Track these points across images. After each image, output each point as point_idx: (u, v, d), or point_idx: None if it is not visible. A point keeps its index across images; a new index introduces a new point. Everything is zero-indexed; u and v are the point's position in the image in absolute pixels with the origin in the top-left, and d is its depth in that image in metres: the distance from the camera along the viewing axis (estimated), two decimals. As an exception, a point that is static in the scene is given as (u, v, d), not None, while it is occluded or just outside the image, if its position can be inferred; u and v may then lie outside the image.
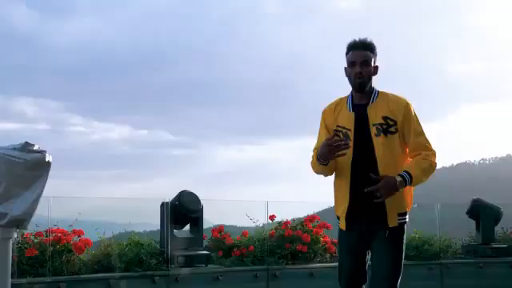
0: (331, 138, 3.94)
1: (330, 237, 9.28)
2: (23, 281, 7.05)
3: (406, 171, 3.94)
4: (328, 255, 9.23)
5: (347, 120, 4.11)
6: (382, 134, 3.99)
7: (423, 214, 10.53)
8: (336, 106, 4.24)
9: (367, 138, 4.02)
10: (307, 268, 8.84)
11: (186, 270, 8.05)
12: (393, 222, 3.99)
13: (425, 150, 4.07)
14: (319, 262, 9.10)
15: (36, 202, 6.00)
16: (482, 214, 10.24)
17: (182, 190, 8.39)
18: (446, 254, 9.98)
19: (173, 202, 8.25)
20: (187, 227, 8.66)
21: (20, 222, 6.02)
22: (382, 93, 4.14)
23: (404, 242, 4.12)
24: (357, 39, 4.11)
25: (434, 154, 4.10)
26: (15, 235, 6.15)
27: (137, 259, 7.84)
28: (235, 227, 10.14)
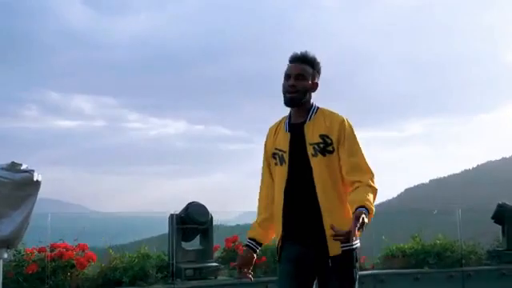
0: (243, 274, 3.75)
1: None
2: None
3: (360, 206, 3.27)
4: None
5: (283, 141, 3.64)
6: (319, 154, 3.50)
7: (444, 218, 9.92)
8: (277, 127, 3.78)
9: (304, 158, 3.54)
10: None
11: (194, 283, 7.61)
12: (335, 249, 3.41)
13: (360, 173, 3.50)
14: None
15: (25, 221, 5.78)
16: (508, 218, 9.57)
17: (190, 201, 7.96)
18: (469, 260, 9.31)
19: (180, 215, 7.81)
20: (197, 239, 8.20)
21: (10, 242, 5.79)
22: (320, 109, 3.66)
23: (355, 272, 3.52)
24: (298, 52, 3.65)
25: (371, 177, 3.51)
26: (5, 255, 5.87)
27: (142, 273, 7.43)
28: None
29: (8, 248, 5.88)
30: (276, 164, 3.66)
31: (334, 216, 3.42)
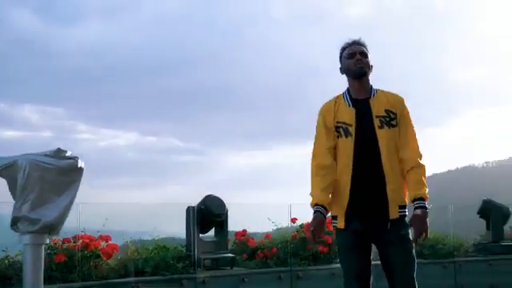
0: (313, 240, 3.81)
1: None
2: (54, 287, 6.54)
3: (418, 199, 3.61)
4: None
5: (348, 115, 3.76)
6: (385, 126, 3.69)
7: (437, 215, 10.07)
8: (334, 104, 3.88)
9: (369, 130, 3.70)
10: (329, 269, 8.33)
11: (212, 273, 7.54)
12: (394, 213, 3.63)
13: (417, 156, 3.74)
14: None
15: (68, 207, 5.64)
16: (493, 213, 9.83)
17: (208, 194, 7.91)
18: (459, 252, 9.51)
19: (198, 207, 7.74)
20: (212, 231, 8.13)
21: (52, 228, 5.62)
22: (378, 89, 3.88)
23: (409, 232, 3.68)
24: (350, 39, 3.90)
25: (422, 159, 3.75)
26: (47, 241, 5.70)
27: (163, 263, 7.33)
28: (256, 230, 9.59)
29: (49, 234, 5.71)
30: (339, 137, 3.75)
31: (395, 183, 3.65)
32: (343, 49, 3.91)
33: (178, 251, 7.68)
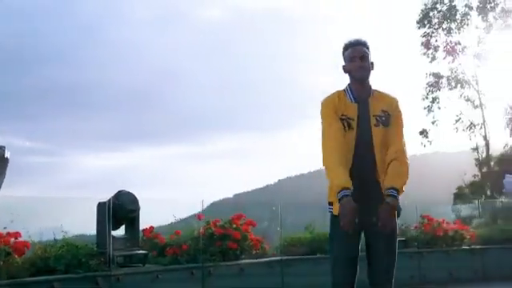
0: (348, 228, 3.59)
1: (254, 234, 8.92)
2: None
3: (391, 188, 3.67)
4: (255, 251, 8.86)
5: (351, 110, 3.92)
6: (380, 125, 3.88)
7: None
8: (337, 97, 4.01)
9: (367, 127, 3.89)
10: (238, 264, 8.41)
11: (126, 270, 7.35)
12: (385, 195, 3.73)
13: (400, 152, 3.88)
14: (248, 258, 8.73)
15: None
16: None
17: (120, 189, 7.68)
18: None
19: (112, 202, 7.48)
20: (122, 227, 7.92)
21: None
22: (376, 90, 4.05)
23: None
24: (355, 38, 4.06)
25: (405, 155, 3.89)
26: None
27: (76, 261, 7.04)
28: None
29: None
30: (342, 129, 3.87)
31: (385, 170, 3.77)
32: (345, 48, 4.03)
33: (89, 248, 7.41)
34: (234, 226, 8.67)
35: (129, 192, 7.71)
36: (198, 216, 8.80)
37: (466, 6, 25.76)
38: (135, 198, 7.72)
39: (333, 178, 3.75)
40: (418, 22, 26.42)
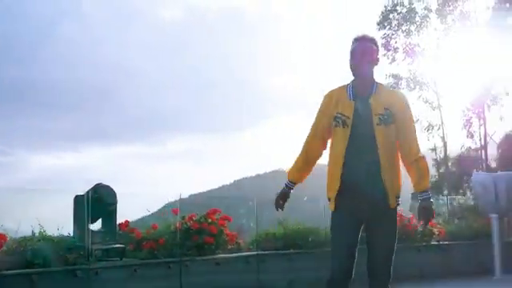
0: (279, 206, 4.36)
1: (229, 229, 8.98)
2: None
3: (423, 191, 3.96)
4: (230, 246, 8.93)
5: (347, 108, 4.00)
6: (382, 124, 3.92)
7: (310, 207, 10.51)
8: (336, 94, 4.12)
9: (368, 126, 3.94)
10: (214, 259, 8.45)
11: (105, 264, 7.34)
12: (393, 203, 3.94)
13: (417, 150, 4.06)
14: (224, 252, 8.81)
15: None
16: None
17: (97, 183, 7.64)
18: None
19: (90, 195, 7.44)
20: (99, 221, 7.87)
21: None
22: (381, 85, 4.13)
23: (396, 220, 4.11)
24: (360, 33, 4.13)
25: (420, 152, 4.10)
26: None
27: (54, 254, 6.99)
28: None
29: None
30: (337, 126, 3.98)
31: (391, 175, 3.94)
32: (351, 44, 4.10)
33: (67, 242, 7.35)
34: (210, 220, 8.69)
35: (107, 185, 7.69)
36: (173, 210, 8.80)
37: (425, 8, 26.25)
38: (113, 191, 7.69)
39: (289, 168, 4.33)
40: (378, 24, 26.82)
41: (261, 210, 9.71)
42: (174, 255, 8.12)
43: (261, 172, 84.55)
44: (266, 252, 9.22)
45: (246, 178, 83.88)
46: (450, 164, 25.91)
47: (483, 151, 26.52)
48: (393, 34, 26.08)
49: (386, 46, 26.21)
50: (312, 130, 4.19)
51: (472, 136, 26.71)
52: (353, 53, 4.03)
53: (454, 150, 26.33)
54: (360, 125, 3.92)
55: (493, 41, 25.98)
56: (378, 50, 4.13)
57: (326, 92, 4.19)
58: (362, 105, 3.96)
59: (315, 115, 4.19)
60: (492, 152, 27.07)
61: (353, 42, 4.08)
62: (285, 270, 9.07)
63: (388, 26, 26.22)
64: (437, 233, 11.05)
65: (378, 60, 4.10)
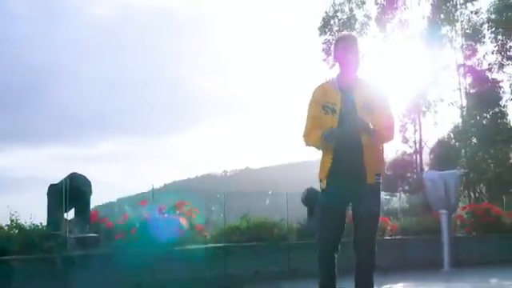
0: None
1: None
2: None
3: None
4: (201, 238, 9.04)
5: (335, 97, 4.33)
6: (365, 112, 4.25)
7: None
8: (324, 87, 4.46)
9: (353, 113, 4.25)
10: (185, 249, 8.55)
11: (82, 252, 7.31)
12: (371, 179, 4.24)
13: (391, 121, 4.44)
14: (194, 243, 8.88)
15: None
16: (315, 200, 10.62)
17: (73, 172, 7.59)
18: (291, 235, 10.21)
19: (66, 184, 7.39)
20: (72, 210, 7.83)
21: None
22: (362, 79, 4.45)
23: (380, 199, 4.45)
24: (348, 34, 4.60)
25: (394, 126, 4.48)
26: None
27: (30, 242, 6.93)
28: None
29: None
30: (326, 114, 4.32)
31: (372, 155, 4.26)
32: (338, 40, 4.51)
33: (41, 230, 7.28)
34: (179, 212, 8.75)
35: (81, 174, 7.66)
36: (141, 202, 8.84)
37: (365, 15, 26.96)
38: (88, 180, 7.67)
39: (313, 141, 4.38)
40: (319, 29, 27.36)
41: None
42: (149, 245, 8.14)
43: (192, 176, 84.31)
44: (232, 244, 9.34)
45: (176, 182, 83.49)
46: (385, 168, 26.58)
47: (418, 156, 27.45)
48: (334, 40, 26.59)
49: (327, 52, 26.75)
50: (310, 122, 4.44)
51: (407, 141, 27.63)
52: (341, 50, 4.37)
53: (389, 155, 27.00)
54: (346, 113, 4.24)
55: (428, 48, 26.96)
56: (358, 47, 4.46)
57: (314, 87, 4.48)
58: (348, 96, 4.29)
59: (307, 108, 4.48)
60: (425, 157, 28.01)
61: (341, 40, 4.48)
62: (250, 262, 9.23)
63: (329, 32, 26.83)
64: (389, 228, 11.45)
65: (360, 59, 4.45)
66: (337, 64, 4.49)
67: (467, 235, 12.58)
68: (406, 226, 11.97)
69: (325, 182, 4.29)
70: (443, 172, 11.88)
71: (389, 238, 11.38)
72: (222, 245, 9.23)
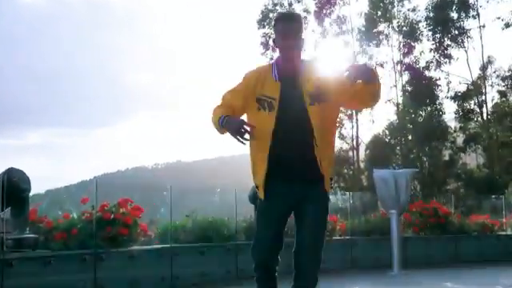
0: (241, 135, 3.52)
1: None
2: None
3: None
4: (144, 238, 8.61)
5: (273, 89, 3.67)
6: (315, 103, 3.62)
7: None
8: (258, 75, 3.77)
9: (300, 106, 3.62)
10: (129, 251, 8.12)
11: (18, 255, 6.76)
12: (328, 187, 3.69)
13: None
14: (138, 244, 8.51)
15: None
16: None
17: (10, 167, 7.00)
18: (240, 234, 9.88)
19: (2, 181, 6.78)
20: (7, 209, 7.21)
21: None
22: (308, 62, 3.83)
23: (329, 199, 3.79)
24: (287, 12, 3.93)
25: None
26: None
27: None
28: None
29: None
30: (259, 109, 3.65)
31: (327, 158, 3.66)
32: (276, 21, 3.75)
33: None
34: (122, 210, 8.26)
35: (20, 170, 7.05)
36: (82, 200, 8.32)
37: (304, 10, 26.90)
38: (27, 176, 7.08)
39: (213, 120, 3.69)
40: (258, 22, 27.13)
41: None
42: (88, 246, 7.65)
43: (122, 168, 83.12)
44: (179, 245, 8.93)
45: (106, 174, 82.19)
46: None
47: (355, 152, 27.64)
48: (272, 34, 26.42)
49: (266, 45, 26.58)
50: (230, 93, 3.82)
51: (344, 137, 27.79)
52: (283, 34, 3.66)
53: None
54: (289, 107, 3.61)
55: (365, 45, 27.17)
56: (303, 29, 3.78)
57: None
58: (291, 85, 3.65)
59: (235, 86, 3.83)
60: (361, 153, 28.27)
61: (278, 21, 3.73)
62: (197, 263, 8.87)
63: (268, 26, 26.57)
64: (338, 227, 11.27)
65: (303, 40, 3.76)
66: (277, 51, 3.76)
67: (415, 235, 12.56)
68: (355, 225, 11.83)
69: (263, 190, 3.65)
70: (395, 171, 11.78)
71: (338, 237, 11.23)
72: (168, 246, 8.81)
